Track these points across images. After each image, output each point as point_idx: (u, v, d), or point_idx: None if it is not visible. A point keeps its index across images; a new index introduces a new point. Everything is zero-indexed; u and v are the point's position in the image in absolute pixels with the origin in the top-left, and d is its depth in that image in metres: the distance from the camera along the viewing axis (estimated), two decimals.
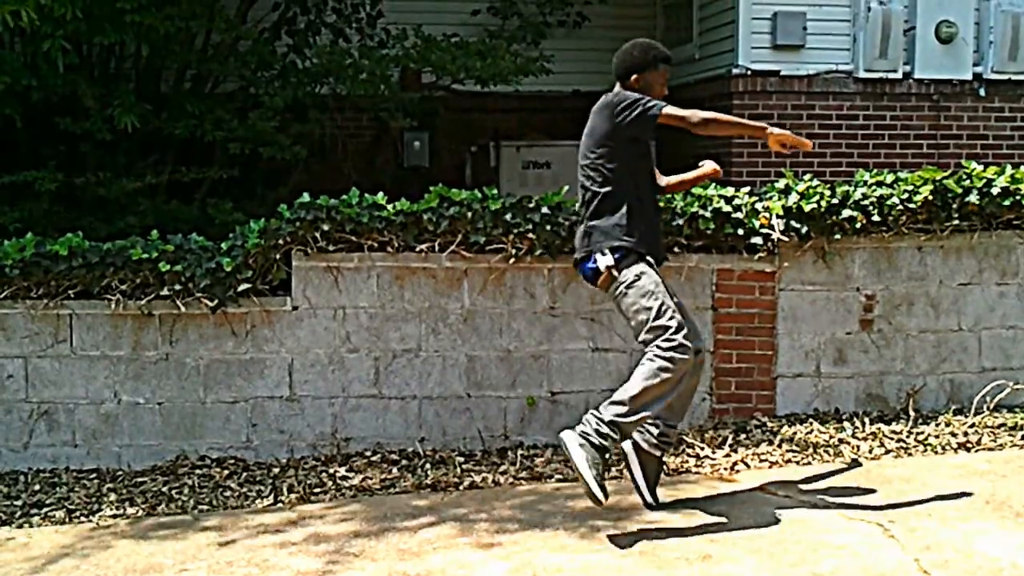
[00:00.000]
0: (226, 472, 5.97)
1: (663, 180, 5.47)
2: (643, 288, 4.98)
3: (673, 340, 4.89)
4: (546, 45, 10.71)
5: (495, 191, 6.25)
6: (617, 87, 5.20)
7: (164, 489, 5.77)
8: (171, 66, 8.88)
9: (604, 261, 5.01)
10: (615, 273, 5.02)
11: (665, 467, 5.79)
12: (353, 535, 4.98)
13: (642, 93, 5.08)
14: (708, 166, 5.45)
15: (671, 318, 4.93)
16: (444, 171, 10.22)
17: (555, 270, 6.29)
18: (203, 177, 8.54)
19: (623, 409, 4.86)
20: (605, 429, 4.83)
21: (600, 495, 4.74)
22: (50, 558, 4.87)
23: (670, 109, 4.95)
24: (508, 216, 6.16)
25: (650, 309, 4.95)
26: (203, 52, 8.92)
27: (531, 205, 6.19)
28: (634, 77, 5.15)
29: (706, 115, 4.96)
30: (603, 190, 5.08)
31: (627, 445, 5.14)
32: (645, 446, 5.16)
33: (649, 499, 5.17)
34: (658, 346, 4.90)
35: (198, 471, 6.00)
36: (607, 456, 4.86)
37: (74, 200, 8.08)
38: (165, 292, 6.04)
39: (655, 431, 5.16)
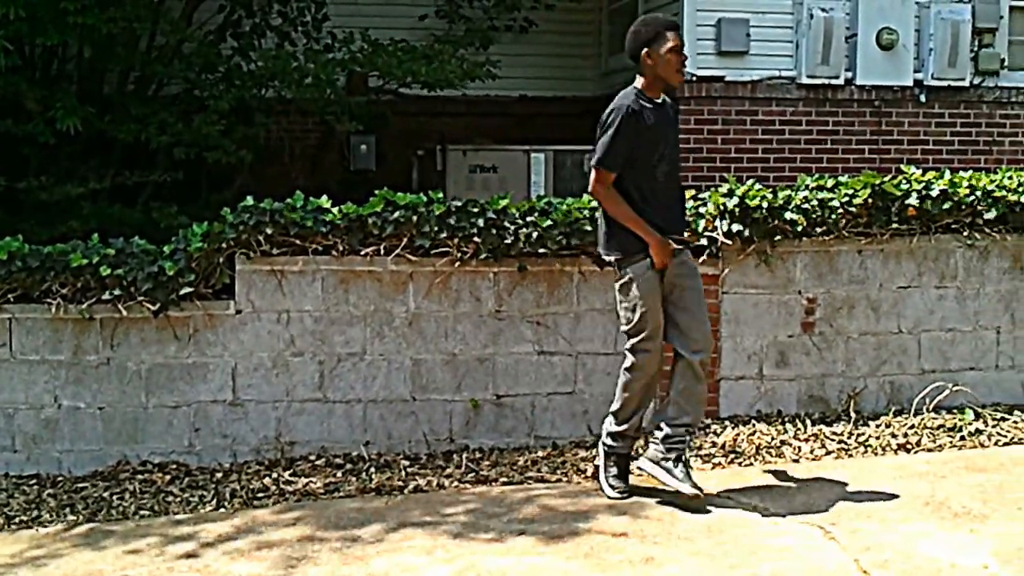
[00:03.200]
0: (168, 477, 5.92)
1: None
2: None
3: None
4: (493, 50, 10.73)
5: (441, 195, 6.26)
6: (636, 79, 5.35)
7: (105, 495, 5.71)
8: (114, 68, 8.80)
9: None
10: None
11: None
12: (296, 540, 4.95)
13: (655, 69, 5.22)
14: None
15: None
16: (391, 175, 10.18)
17: (500, 273, 6.30)
18: (147, 180, 8.46)
19: None
20: None
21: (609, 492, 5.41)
22: None
23: (596, 171, 5.21)
24: (453, 220, 6.17)
25: None
26: (147, 54, 8.85)
27: (475, 209, 6.20)
28: (645, 51, 5.23)
29: (611, 201, 5.19)
30: None
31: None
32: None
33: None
34: None
35: (140, 476, 5.94)
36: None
37: (16, 204, 7.97)
38: (106, 296, 5.98)
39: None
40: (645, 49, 5.20)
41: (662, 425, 5.32)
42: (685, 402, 5.30)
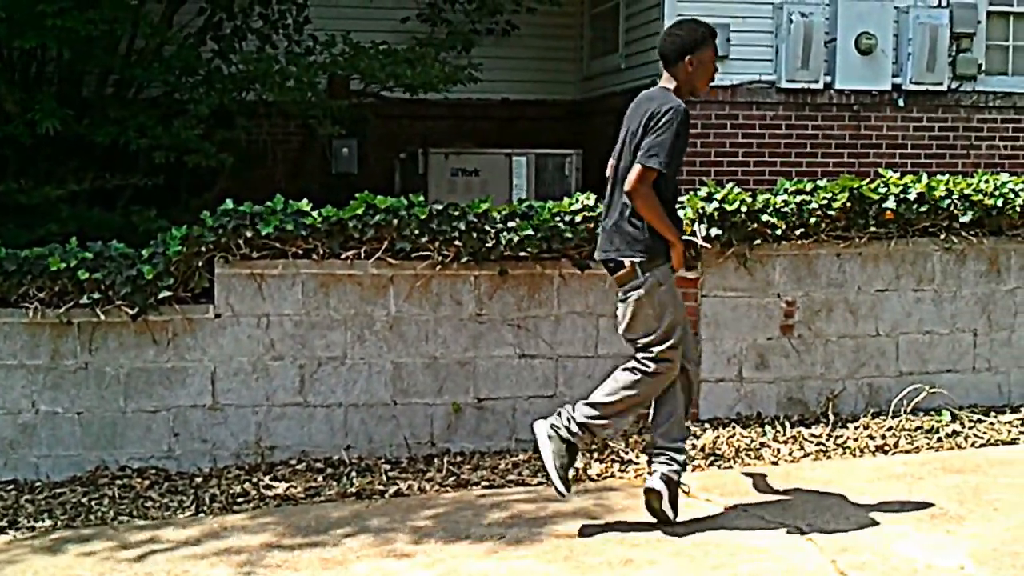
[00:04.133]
0: (147, 482, 5.90)
1: None
2: None
3: None
4: (475, 53, 10.76)
5: (421, 198, 6.26)
6: (664, 78, 5.08)
7: (83, 500, 5.68)
8: (93, 71, 8.77)
9: None
10: None
11: (589, 473, 5.84)
12: (276, 545, 4.95)
13: (693, 74, 5.02)
14: None
15: None
16: (373, 178, 10.19)
17: (481, 277, 6.30)
18: (126, 184, 8.43)
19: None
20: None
21: (561, 488, 4.96)
22: None
23: (647, 171, 4.84)
24: (434, 223, 6.17)
25: None
26: (126, 57, 8.82)
27: (456, 213, 6.20)
28: (689, 56, 5.00)
29: (650, 202, 4.87)
30: None
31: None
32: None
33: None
34: None
35: (118, 482, 5.91)
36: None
37: None
38: (84, 300, 5.94)
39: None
40: (689, 55, 4.99)
41: (679, 445, 5.07)
42: (683, 421, 5.14)
